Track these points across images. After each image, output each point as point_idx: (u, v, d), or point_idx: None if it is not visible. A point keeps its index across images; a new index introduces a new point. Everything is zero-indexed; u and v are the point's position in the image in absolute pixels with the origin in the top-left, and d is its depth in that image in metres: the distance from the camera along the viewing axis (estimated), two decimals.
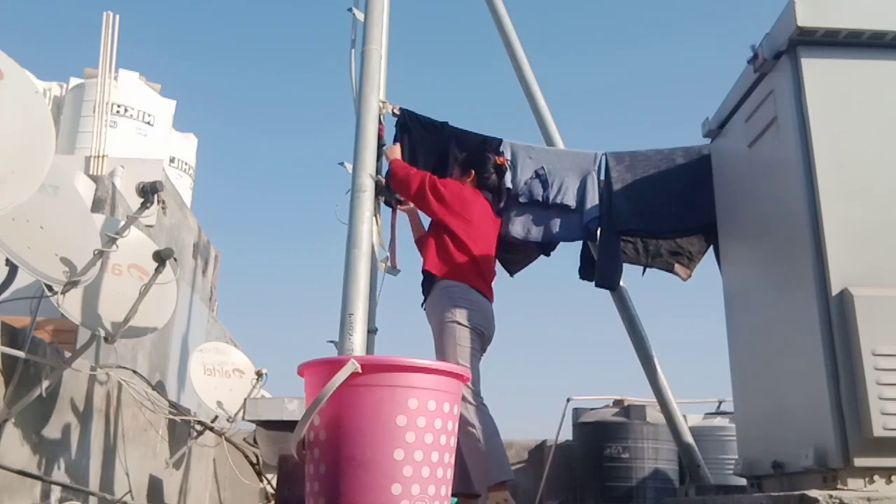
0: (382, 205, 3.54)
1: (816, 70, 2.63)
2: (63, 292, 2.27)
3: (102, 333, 2.62)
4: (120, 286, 2.76)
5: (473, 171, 3.49)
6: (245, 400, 3.84)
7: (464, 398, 2.84)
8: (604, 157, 3.78)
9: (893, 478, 2.27)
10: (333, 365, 1.80)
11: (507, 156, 3.72)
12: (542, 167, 3.74)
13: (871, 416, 2.23)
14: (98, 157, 5.27)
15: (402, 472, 1.76)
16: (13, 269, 2.14)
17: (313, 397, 1.81)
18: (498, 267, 3.60)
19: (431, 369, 1.86)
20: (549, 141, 4.12)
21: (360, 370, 1.77)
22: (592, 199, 3.70)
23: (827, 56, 2.64)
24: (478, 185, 3.50)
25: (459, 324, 3.12)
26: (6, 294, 2.21)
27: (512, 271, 3.92)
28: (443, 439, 1.84)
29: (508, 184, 3.65)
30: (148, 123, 8.19)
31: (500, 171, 3.58)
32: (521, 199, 3.69)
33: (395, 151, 3.52)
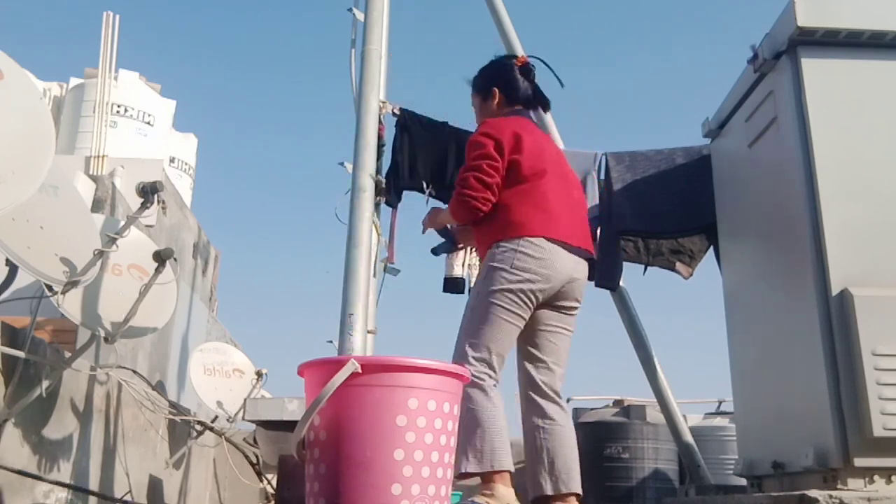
0: (383, 205, 3.54)
1: (816, 70, 2.63)
2: (63, 292, 2.26)
3: (102, 333, 2.62)
4: (120, 286, 2.76)
5: (496, 89, 2.77)
6: (245, 400, 3.84)
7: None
8: (604, 157, 3.78)
9: (893, 478, 2.27)
10: (333, 365, 1.80)
11: None
12: None
13: (871, 416, 2.24)
14: (98, 157, 5.26)
15: (402, 472, 1.76)
16: (13, 269, 2.14)
17: (313, 397, 1.81)
18: None
19: (431, 369, 1.86)
20: None
21: (360, 370, 1.77)
22: (592, 199, 3.70)
23: (827, 56, 2.65)
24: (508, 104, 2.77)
25: None
26: (6, 294, 2.21)
27: None
28: (443, 439, 1.84)
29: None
30: (148, 123, 8.18)
31: (528, 72, 2.80)
32: None
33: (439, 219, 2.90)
